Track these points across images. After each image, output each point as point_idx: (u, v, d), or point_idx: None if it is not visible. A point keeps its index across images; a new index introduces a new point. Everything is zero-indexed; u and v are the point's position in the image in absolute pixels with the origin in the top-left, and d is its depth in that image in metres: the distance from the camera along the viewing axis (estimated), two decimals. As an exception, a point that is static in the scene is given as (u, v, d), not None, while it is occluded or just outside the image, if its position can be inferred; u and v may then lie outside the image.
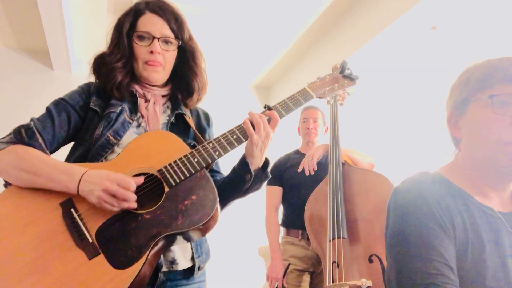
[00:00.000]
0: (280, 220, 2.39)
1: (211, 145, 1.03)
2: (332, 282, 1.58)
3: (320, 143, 2.41)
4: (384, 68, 3.58)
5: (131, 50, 1.13)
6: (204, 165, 1.01)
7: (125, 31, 1.12)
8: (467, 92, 0.87)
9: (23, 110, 3.62)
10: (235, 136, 1.05)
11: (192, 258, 1.10)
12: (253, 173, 1.08)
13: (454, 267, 0.77)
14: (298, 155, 2.44)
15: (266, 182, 1.16)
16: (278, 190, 2.38)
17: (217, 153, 1.02)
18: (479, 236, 0.81)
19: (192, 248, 1.10)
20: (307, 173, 2.05)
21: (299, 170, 2.09)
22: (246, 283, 3.77)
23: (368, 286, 1.50)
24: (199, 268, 1.11)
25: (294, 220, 2.25)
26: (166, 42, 1.13)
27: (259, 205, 2.77)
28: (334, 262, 1.62)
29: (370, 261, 1.58)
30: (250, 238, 3.70)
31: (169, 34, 1.13)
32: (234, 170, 1.12)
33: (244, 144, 1.07)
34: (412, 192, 0.85)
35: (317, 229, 1.88)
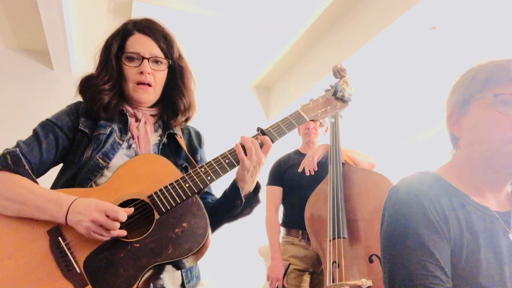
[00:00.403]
0: (280, 220, 2.39)
1: (203, 169, 1.01)
2: (333, 282, 1.58)
3: (320, 143, 2.42)
4: (384, 68, 3.58)
5: (120, 72, 1.11)
6: (196, 191, 0.98)
7: (114, 52, 1.10)
8: (471, 90, 0.87)
9: (23, 110, 3.63)
10: (227, 161, 1.02)
11: (182, 284, 1.07)
12: (243, 199, 1.06)
13: (447, 268, 0.77)
14: (298, 155, 2.44)
15: (257, 207, 1.14)
16: (278, 190, 2.38)
17: (209, 178, 1.00)
18: (475, 236, 0.81)
19: (182, 274, 1.08)
20: (307, 173, 2.05)
21: (299, 170, 2.10)
22: (246, 283, 3.76)
23: (368, 286, 1.50)
24: None
25: (294, 220, 2.26)
26: (156, 62, 1.11)
27: (259, 205, 2.76)
28: (334, 262, 1.63)
29: (371, 261, 1.58)
30: (250, 238, 3.70)
31: (159, 53, 1.11)
32: (225, 195, 1.10)
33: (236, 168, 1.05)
34: (407, 192, 0.85)
35: (317, 229, 1.88)
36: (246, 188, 1.07)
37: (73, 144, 1.07)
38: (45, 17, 2.80)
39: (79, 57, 3.74)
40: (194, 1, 3.07)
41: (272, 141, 1.07)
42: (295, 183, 2.31)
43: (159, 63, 1.12)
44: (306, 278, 2.14)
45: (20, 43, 3.62)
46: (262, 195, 1.13)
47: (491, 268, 0.79)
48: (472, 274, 0.78)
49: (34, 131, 1.06)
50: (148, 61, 1.09)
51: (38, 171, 1.03)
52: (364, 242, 1.64)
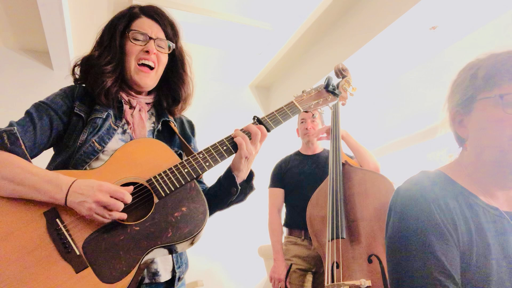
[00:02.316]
0: (282, 221, 2.41)
1: (201, 155, 1.01)
2: (332, 282, 1.59)
3: (319, 143, 2.43)
4: (384, 68, 3.58)
5: (123, 51, 1.10)
6: (195, 176, 0.99)
7: (119, 31, 1.11)
8: (474, 89, 0.84)
9: (23, 110, 3.62)
10: (225, 147, 1.03)
11: (173, 270, 1.08)
12: (239, 187, 1.07)
13: (456, 274, 0.75)
14: (299, 157, 2.46)
15: (250, 194, 1.15)
16: (280, 192, 2.39)
17: (207, 164, 1.00)
18: (484, 238, 0.78)
19: (173, 259, 1.09)
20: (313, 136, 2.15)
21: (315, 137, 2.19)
22: (246, 283, 3.76)
23: (367, 286, 1.50)
24: (179, 279, 1.10)
25: (296, 220, 2.27)
26: (161, 45, 1.12)
27: (259, 205, 2.77)
28: (333, 262, 1.63)
29: (370, 261, 1.58)
30: (250, 238, 3.70)
31: (164, 37, 1.13)
32: (219, 183, 1.10)
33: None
34: (413, 193, 0.83)
35: (318, 229, 1.88)
36: (241, 176, 1.08)
37: (68, 127, 1.05)
38: (45, 17, 2.80)
39: (79, 57, 3.73)
40: (194, 1, 3.07)
41: (268, 130, 1.08)
42: (296, 184, 2.32)
43: (163, 47, 1.13)
44: (309, 278, 2.15)
45: (20, 43, 3.62)
46: (256, 182, 1.14)
47: (501, 272, 0.77)
48: (482, 279, 0.76)
49: (28, 112, 1.03)
50: (154, 42, 1.10)
51: (32, 153, 1.00)
52: (364, 242, 1.64)
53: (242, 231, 3.83)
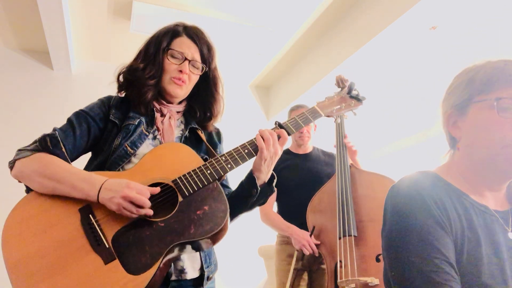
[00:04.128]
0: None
1: (223, 158, 1.08)
2: (342, 278, 1.61)
3: (311, 143, 2.46)
4: (383, 68, 3.58)
5: (161, 66, 1.20)
6: (217, 177, 1.05)
7: (162, 48, 1.19)
8: (470, 92, 0.87)
9: (23, 110, 3.63)
10: (246, 151, 1.09)
11: (201, 268, 1.14)
12: (259, 188, 1.12)
13: (454, 264, 0.77)
14: (290, 156, 2.47)
15: (270, 196, 1.20)
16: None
17: (229, 166, 1.07)
18: (475, 234, 0.81)
19: (201, 259, 1.15)
20: (308, 253, 1.98)
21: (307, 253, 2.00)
22: (246, 283, 3.77)
23: (375, 285, 1.52)
24: (208, 278, 1.16)
25: (289, 219, 2.28)
26: (195, 65, 1.22)
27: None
28: (340, 260, 1.65)
29: (378, 260, 1.62)
30: (250, 238, 3.70)
31: (199, 59, 1.22)
32: (241, 185, 1.16)
33: (252, 160, 1.12)
34: (409, 190, 0.85)
35: (320, 230, 1.90)
36: (262, 178, 1.13)
37: (103, 133, 1.16)
38: (45, 17, 2.80)
39: (79, 57, 3.74)
40: (194, 1, 3.08)
41: (289, 134, 1.14)
42: (289, 185, 2.33)
43: (197, 67, 1.22)
44: (305, 277, 2.16)
45: (20, 43, 3.62)
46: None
47: (492, 266, 0.79)
48: (474, 271, 0.78)
49: (69, 120, 1.14)
50: (189, 63, 1.20)
51: (72, 156, 1.11)
52: (371, 242, 1.67)
53: (242, 231, 3.83)
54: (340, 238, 1.71)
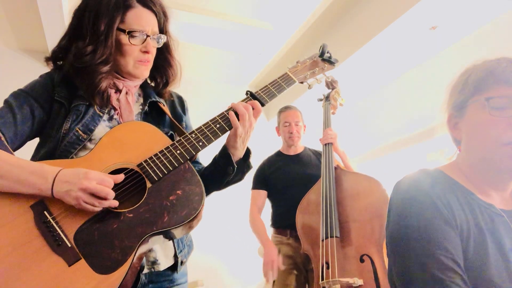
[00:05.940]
0: (268, 221, 2.44)
1: (193, 135, 0.98)
2: (325, 279, 1.62)
3: (301, 143, 2.46)
4: (383, 68, 3.58)
5: (118, 48, 1.01)
6: (188, 157, 0.95)
7: (117, 26, 0.99)
8: (466, 93, 0.88)
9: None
10: (218, 125, 0.99)
11: (175, 255, 1.04)
12: (235, 166, 1.04)
13: (461, 262, 0.77)
14: (281, 157, 2.49)
15: (247, 173, 1.12)
16: (262, 194, 2.42)
17: (200, 144, 0.97)
18: (481, 232, 0.81)
19: (173, 244, 1.04)
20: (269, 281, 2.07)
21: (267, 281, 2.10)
22: (246, 283, 3.77)
23: (359, 285, 1.53)
24: (181, 263, 1.06)
25: (282, 220, 2.32)
26: (156, 39, 1.06)
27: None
28: (326, 261, 1.66)
29: (362, 260, 1.62)
30: (250, 238, 3.70)
31: (158, 31, 1.06)
32: (215, 162, 1.07)
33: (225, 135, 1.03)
34: (413, 188, 0.85)
35: (308, 231, 1.93)
36: (237, 154, 1.05)
37: (50, 116, 0.99)
38: (45, 17, 2.80)
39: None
40: (193, 1, 3.07)
41: (263, 105, 1.05)
42: (282, 185, 2.36)
43: (158, 41, 1.07)
44: (293, 276, 2.17)
45: (20, 43, 3.62)
46: (253, 160, 1.11)
47: (498, 264, 0.79)
48: (480, 268, 0.78)
49: (7, 102, 0.96)
50: (151, 39, 1.04)
51: (13, 145, 0.94)
52: (356, 242, 1.67)
53: (242, 231, 3.83)
54: (323, 240, 1.72)
